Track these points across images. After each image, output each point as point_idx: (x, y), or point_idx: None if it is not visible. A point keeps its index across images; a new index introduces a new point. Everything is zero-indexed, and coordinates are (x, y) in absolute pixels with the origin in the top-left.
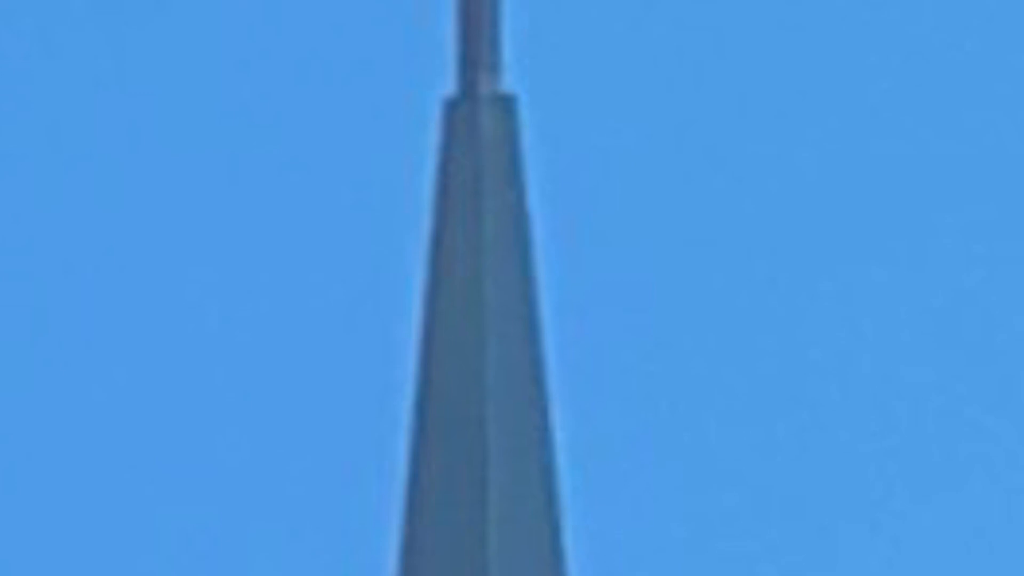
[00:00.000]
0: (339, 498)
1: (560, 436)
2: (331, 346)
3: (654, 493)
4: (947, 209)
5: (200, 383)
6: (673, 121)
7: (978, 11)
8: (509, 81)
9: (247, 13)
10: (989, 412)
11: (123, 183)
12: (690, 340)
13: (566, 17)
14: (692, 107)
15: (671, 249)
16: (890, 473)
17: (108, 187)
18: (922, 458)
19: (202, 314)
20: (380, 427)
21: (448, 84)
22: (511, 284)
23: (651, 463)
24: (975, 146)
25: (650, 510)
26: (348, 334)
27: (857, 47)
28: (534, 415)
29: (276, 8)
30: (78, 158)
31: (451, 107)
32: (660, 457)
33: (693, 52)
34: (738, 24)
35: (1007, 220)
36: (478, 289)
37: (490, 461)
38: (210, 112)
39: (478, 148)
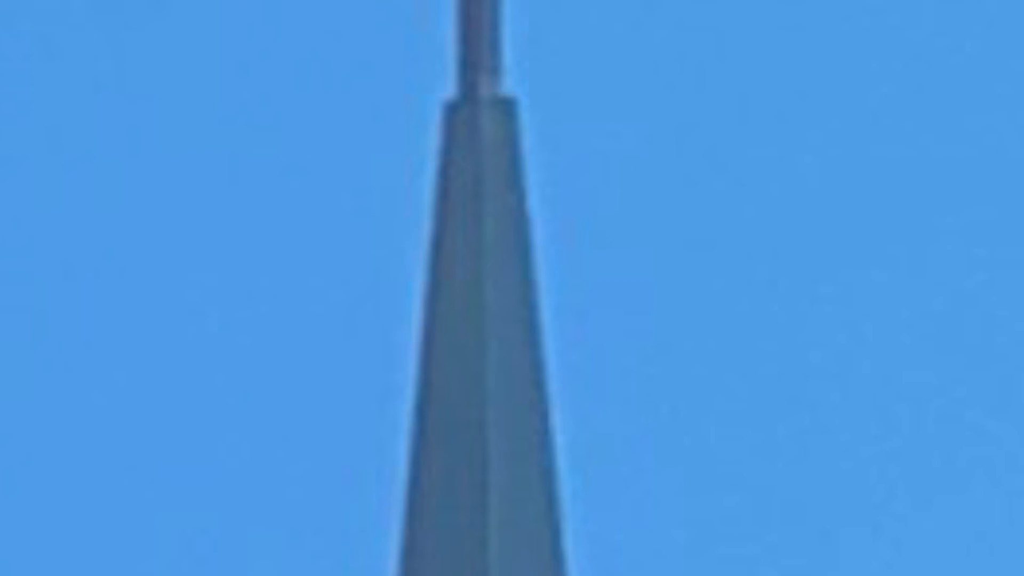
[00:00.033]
0: (340, 501)
1: (560, 439)
2: (332, 349)
3: (654, 496)
4: (948, 212)
5: (201, 385)
6: (673, 124)
7: (978, 12)
8: (509, 84)
9: (247, 15)
10: (990, 415)
11: (124, 185)
12: (691, 343)
13: (566, 20)
14: (692, 110)
15: (672, 252)
16: (891, 476)
17: (108, 188)
18: (923, 461)
19: (203, 316)
20: (380, 430)
21: (448, 87)
22: (511, 287)
23: (651, 466)
24: (975, 149)
25: (650, 513)
26: (349, 337)
27: (858, 49)
28: (534, 418)
29: (276, 10)
30: (78, 158)
31: (451, 110)
32: (661, 460)
33: (693, 55)
34: (738, 28)
35: (1008, 223)
36: (478, 292)
37: (490, 464)
38: (211, 114)
39: (478, 151)
